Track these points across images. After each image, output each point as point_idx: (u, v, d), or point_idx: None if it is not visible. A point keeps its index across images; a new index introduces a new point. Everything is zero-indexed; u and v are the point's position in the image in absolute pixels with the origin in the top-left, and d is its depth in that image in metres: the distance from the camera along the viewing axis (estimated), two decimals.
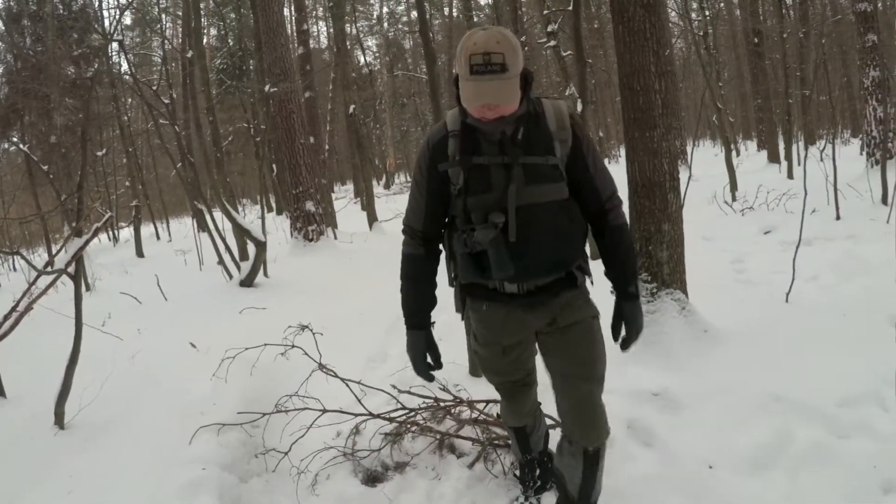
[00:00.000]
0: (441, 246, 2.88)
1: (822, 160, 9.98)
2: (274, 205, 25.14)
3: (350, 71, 24.68)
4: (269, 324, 5.34)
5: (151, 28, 29.02)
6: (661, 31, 5.17)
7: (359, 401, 4.09)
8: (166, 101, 12.61)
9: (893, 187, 9.54)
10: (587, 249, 2.86)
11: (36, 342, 6.14)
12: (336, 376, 4.16)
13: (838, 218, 9.74)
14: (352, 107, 17.52)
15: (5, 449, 4.72)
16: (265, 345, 4.27)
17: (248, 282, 9.42)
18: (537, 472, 3.41)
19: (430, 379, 2.94)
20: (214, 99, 18.91)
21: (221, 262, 10.42)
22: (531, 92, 2.61)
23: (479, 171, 2.61)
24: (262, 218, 11.36)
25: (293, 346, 4.14)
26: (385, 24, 41.87)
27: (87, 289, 11.55)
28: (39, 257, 20.98)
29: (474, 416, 3.90)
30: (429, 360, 2.89)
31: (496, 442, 3.73)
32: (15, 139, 20.62)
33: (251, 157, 29.50)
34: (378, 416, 3.95)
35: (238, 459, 3.78)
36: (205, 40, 20.29)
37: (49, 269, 5.25)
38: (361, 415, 3.99)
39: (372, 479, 3.76)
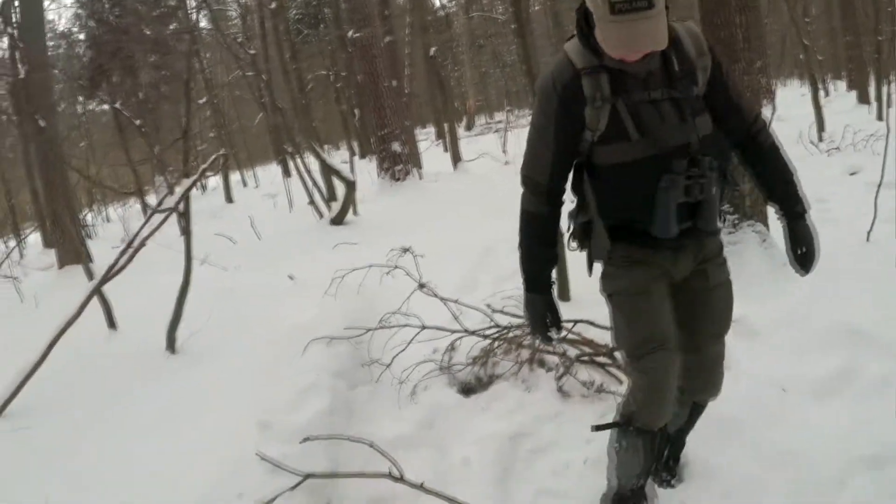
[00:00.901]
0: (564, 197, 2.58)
1: None
2: (356, 149, 25.51)
3: (426, 14, 24.75)
4: (363, 257, 5.59)
5: None
6: None
7: (455, 318, 4.37)
8: (252, 52, 13.00)
9: None
10: None
11: (137, 282, 6.54)
12: (435, 295, 4.44)
13: None
14: (432, 49, 17.69)
15: (120, 371, 5.13)
16: (370, 266, 4.58)
17: (338, 220, 9.81)
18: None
19: (549, 341, 2.76)
20: (295, 46, 19.28)
21: (312, 202, 10.81)
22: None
23: (632, 112, 2.34)
24: (350, 159, 11.70)
25: (396, 267, 4.43)
26: None
27: (182, 233, 12.05)
28: (131, 208, 21.86)
29: (562, 334, 4.11)
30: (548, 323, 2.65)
31: (583, 358, 3.95)
32: (101, 97, 21.37)
33: (331, 103, 29.87)
34: (473, 332, 4.21)
35: (346, 369, 4.15)
36: None
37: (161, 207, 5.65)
38: (457, 331, 4.26)
39: (466, 390, 4.03)
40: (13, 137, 22.27)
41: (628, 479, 2.71)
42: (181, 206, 5.54)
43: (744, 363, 3.97)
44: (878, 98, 16.33)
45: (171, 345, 5.41)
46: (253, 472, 2.88)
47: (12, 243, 16.55)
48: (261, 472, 2.85)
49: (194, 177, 5.74)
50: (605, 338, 4.04)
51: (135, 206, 23.02)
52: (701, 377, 2.78)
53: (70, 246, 10.99)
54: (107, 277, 5.35)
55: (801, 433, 3.25)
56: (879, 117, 15.19)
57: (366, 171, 15.21)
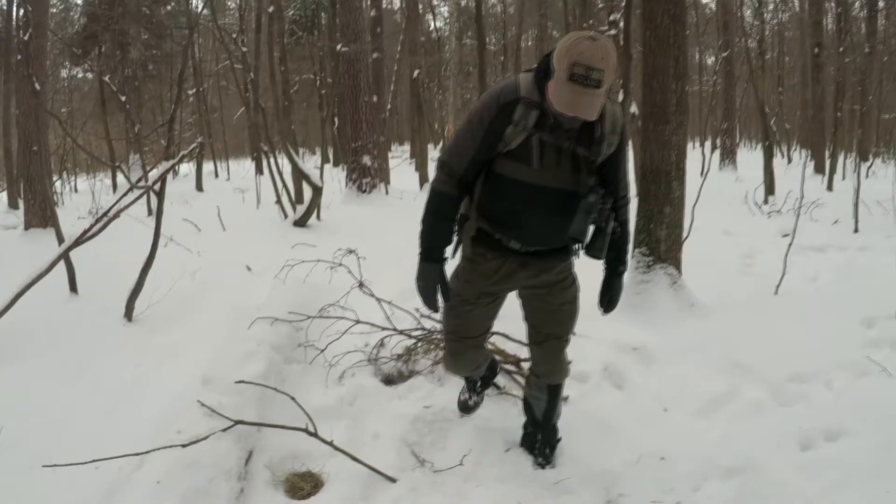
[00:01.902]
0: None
1: (867, 177, 10.31)
2: (331, 157, 25.90)
3: (419, 36, 25.27)
4: (319, 257, 6.10)
5: None
6: (683, 39, 5.88)
7: (388, 318, 4.90)
8: (244, 49, 13.37)
9: None
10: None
11: (101, 253, 6.95)
12: (372, 295, 4.98)
13: (856, 230, 10.28)
14: (416, 72, 18.28)
15: (78, 333, 5.53)
16: (318, 260, 5.12)
17: (301, 222, 10.23)
18: (478, 383, 3.86)
19: (437, 309, 3.21)
20: (287, 47, 19.68)
21: (279, 201, 11.22)
22: None
23: (540, 148, 2.87)
24: (321, 166, 12.16)
25: (340, 265, 4.98)
26: None
27: (150, 213, 12.41)
28: (101, 182, 22.05)
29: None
30: (438, 292, 3.13)
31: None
32: (91, 66, 21.50)
33: (314, 108, 30.21)
34: (401, 332, 4.75)
35: (285, 346, 4.66)
36: None
37: (138, 185, 6.07)
38: (388, 329, 4.80)
39: (388, 380, 4.56)
40: None
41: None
42: (157, 187, 6.00)
43: (637, 383, 4.57)
44: (831, 169, 17.17)
45: (128, 313, 5.80)
46: (193, 416, 3.37)
47: None
48: (199, 416, 3.35)
49: (174, 161, 6.17)
50: (515, 349, 4.60)
51: (104, 180, 23.25)
52: (546, 363, 3.48)
53: (38, 208, 11.29)
54: (80, 241, 5.69)
55: (673, 442, 3.81)
56: (829, 188, 15.98)
57: (336, 180, 15.67)
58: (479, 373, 3.73)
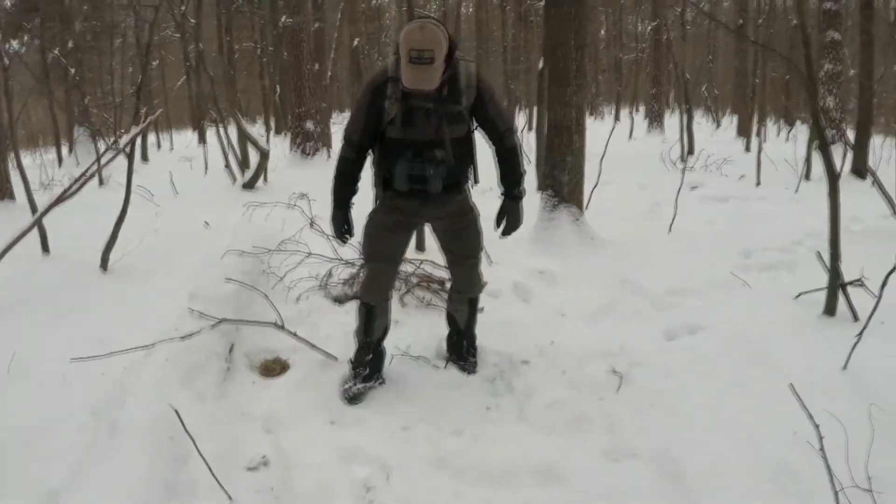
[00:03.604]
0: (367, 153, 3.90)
1: (787, 140, 11.14)
2: (273, 125, 26.40)
3: (360, 5, 25.73)
4: (270, 211, 6.96)
5: None
6: (584, 15, 6.86)
7: (335, 250, 5.83)
8: (192, 21, 13.84)
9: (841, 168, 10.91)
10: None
11: (61, 220, 7.17)
12: (322, 232, 5.89)
13: (759, 184, 11.39)
14: (356, 41, 18.96)
15: (60, 285, 5.92)
16: (276, 203, 5.98)
17: (250, 184, 10.90)
18: (369, 356, 4.17)
19: (345, 241, 4.12)
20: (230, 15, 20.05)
21: (228, 166, 11.83)
22: (455, 57, 3.55)
23: (410, 112, 3.62)
24: (266, 132, 12.84)
25: (295, 206, 5.87)
26: None
27: (101, 183, 12.88)
28: (42, 156, 22.14)
29: (411, 269, 5.57)
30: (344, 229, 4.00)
31: (421, 284, 5.45)
32: (36, 37, 21.39)
33: (255, 76, 30.53)
34: (346, 262, 5.66)
35: (251, 272, 5.60)
36: None
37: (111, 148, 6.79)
38: (335, 259, 5.72)
39: (337, 300, 5.45)
40: None
41: (362, 336, 4.15)
42: (128, 149, 6.70)
43: (540, 298, 5.53)
44: (747, 132, 18.35)
45: (104, 264, 6.26)
46: (185, 321, 4.24)
47: None
48: (190, 320, 4.22)
49: (143, 124, 6.87)
50: (438, 273, 5.55)
51: (45, 155, 23.38)
52: (463, 280, 4.25)
53: None
54: (61, 198, 6.26)
55: (567, 338, 4.77)
56: (747, 149, 17.11)
57: (279, 146, 16.30)
58: (382, 319, 4.18)
